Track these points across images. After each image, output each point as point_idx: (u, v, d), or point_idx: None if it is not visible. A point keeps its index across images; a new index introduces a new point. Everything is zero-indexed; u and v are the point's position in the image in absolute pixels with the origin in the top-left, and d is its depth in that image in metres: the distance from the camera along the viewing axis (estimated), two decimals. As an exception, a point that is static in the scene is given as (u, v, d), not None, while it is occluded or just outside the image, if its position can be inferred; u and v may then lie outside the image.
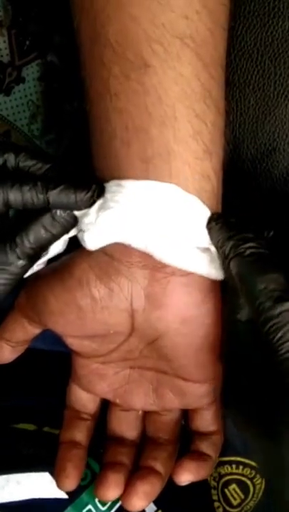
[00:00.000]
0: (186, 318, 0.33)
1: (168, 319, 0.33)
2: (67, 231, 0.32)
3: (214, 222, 0.30)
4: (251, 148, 0.33)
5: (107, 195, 0.30)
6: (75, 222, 0.32)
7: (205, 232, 0.31)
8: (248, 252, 0.29)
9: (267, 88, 0.32)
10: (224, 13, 0.30)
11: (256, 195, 0.34)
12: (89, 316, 0.33)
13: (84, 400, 0.38)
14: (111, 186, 0.30)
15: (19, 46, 0.48)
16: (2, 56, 0.46)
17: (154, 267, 0.31)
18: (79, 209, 0.31)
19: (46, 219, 0.31)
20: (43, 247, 0.32)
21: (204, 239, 0.31)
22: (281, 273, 0.28)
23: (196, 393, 0.36)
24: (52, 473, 0.37)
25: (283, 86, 0.32)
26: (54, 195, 0.30)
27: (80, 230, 0.31)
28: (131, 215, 0.30)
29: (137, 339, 0.34)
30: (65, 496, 0.37)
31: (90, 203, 0.31)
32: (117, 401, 0.38)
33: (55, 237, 0.32)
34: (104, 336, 0.34)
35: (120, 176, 0.30)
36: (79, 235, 0.32)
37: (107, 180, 0.31)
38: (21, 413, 0.42)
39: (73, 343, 0.35)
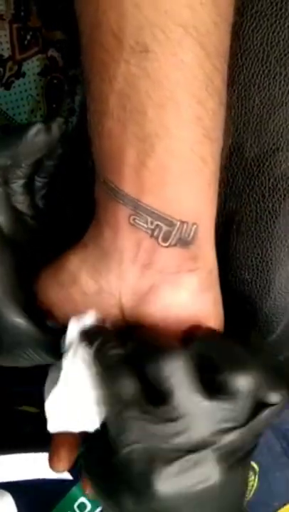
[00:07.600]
0: (171, 316, 0.33)
1: (155, 315, 0.33)
2: None
3: None
4: (254, 147, 0.34)
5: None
6: None
7: None
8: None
9: (272, 88, 0.32)
10: (229, 7, 0.30)
11: (257, 195, 0.35)
12: (82, 310, 0.33)
13: None
14: None
15: (20, 40, 0.48)
16: (3, 50, 0.46)
17: (143, 263, 0.32)
18: None
19: None
20: None
21: None
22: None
23: None
24: None
25: None
26: None
27: None
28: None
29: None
30: (70, 477, 0.37)
31: None
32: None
33: None
34: None
35: (115, 155, 0.30)
36: None
37: (104, 165, 0.31)
38: (24, 397, 0.42)
39: None
